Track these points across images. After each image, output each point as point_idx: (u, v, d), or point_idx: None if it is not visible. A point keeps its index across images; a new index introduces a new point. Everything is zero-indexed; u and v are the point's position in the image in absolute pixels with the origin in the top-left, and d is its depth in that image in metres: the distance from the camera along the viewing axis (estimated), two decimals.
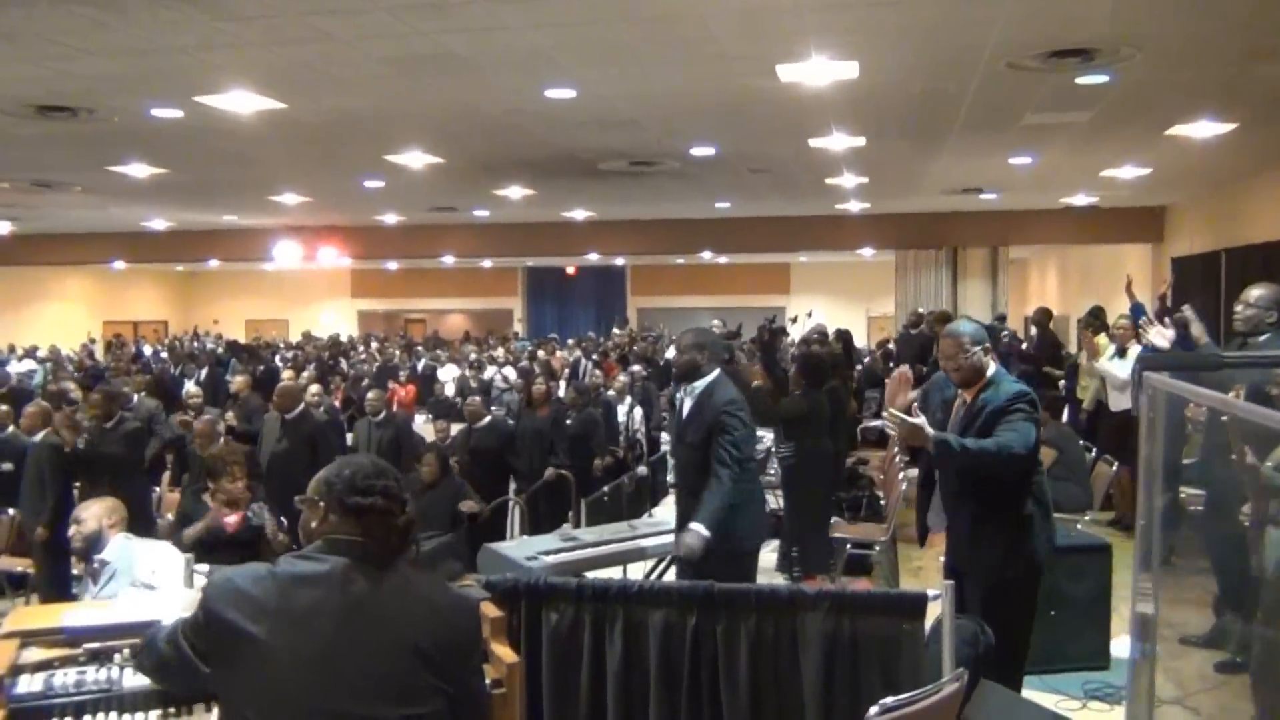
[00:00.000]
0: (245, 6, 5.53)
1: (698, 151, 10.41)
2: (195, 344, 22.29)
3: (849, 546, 7.09)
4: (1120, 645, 5.39)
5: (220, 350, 20.42)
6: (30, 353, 20.42)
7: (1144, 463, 2.76)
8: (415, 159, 10.69)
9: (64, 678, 2.50)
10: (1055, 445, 7.44)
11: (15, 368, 18.43)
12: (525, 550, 5.08)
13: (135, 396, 9.02)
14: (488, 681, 2.66)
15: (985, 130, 9.28)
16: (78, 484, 7.11)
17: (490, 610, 2.75)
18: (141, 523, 6.95)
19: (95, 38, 6.15)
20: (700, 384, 4.96)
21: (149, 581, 3.75)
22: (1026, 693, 4.38)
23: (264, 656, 2.10)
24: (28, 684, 2.45)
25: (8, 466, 7.53)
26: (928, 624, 3.27)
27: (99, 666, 2.49)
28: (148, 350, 22.30)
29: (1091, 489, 7.39)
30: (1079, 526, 6.72)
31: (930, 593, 3.13)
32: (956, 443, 4.05)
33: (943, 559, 4.56)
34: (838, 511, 7.55)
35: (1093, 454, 7.87)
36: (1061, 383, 10.77)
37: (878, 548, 7.09)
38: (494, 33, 6.09)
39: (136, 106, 8.08)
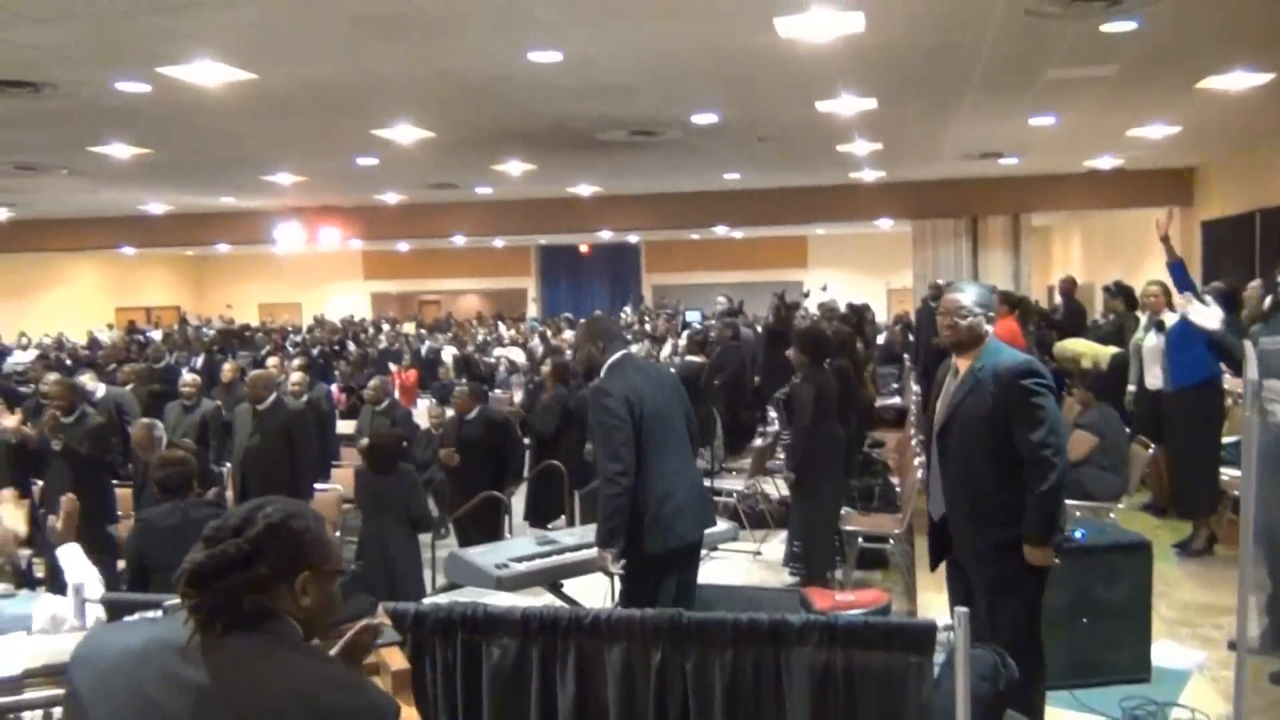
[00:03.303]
0: None
1: (699, 119, 9.87)
2: (191, 330, 21.92)
3: (861, 540, 6.58)
4: (1162, 653, 4.87)
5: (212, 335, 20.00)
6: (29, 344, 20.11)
7: (1246, 448, 2.24)
8: (404, 133, 10.22)
9: None
10: (1098, 431, 6.83)
11: (20, 357, 18.14)
12: (496, 556, 4.59)
13: (101, 388, 8.53)
14: None
15: (1004, 88, 8.71)
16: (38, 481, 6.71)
17: (395, 660, 2.27)
18: (100, 525, 6.55)
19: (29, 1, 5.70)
20: (603, 373, 4.46)
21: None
22: (1056, 713, 3.89)
23: None
24: None
25: None
26: (939, 655, 2.78)
27: None
28: (156, 335, 21.91)
29: (1128, 475, 6.81)
30: (1112, 515, 6.20)
31: (941, 622, 2.63)
32: (1042, 518, 3.72)
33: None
34: (849, 501, 7.04)
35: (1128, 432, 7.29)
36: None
37: (892, 541, 6.59)
38: None
39: (99, 79, 7.65)
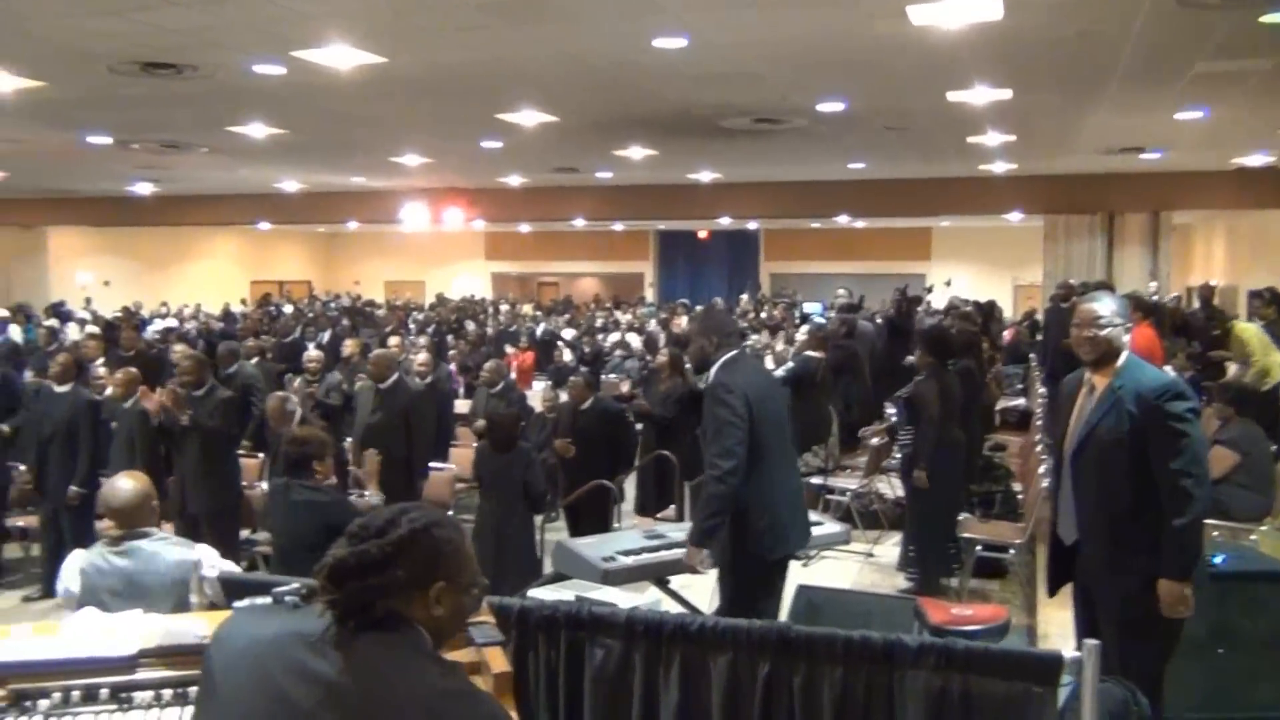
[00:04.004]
0: None
1: (825, 107, 9.66)
2: (319, 305, 22.57)
3: (979, 548, 6.36)
4: None
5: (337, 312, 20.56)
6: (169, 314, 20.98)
7: None
8: (528, 117, 10.29)
9: None
10: (1239, 447, 6.42)
11: (160, 326, 18.95)
12: (603, 549, 4.57)
13: (237, 364, 8.83)
14: None
15: (1149, 80, 8.28)
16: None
17: (497, 662, 2.24)
18: (227, 496, 6.77)
19: None
20: (711, 372, 4.35)
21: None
22: None
23: None
24: None
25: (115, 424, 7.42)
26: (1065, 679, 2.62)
27: (19, 714, 2.08)
28: (288, 309, 22.62)
29: (1274, 494, 6.39)
30: (1253, 537, 5.84)
31: (1068, 654, 2.48)
32: (1180, 554, 3.50)
33: None
34: (968, 507, 6.81)
35: (1275, 449, 6.83)
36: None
37: (1012, 551, 6.34)
38: None
39: (238, 62, 7.89)
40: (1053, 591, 3.95)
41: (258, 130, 11.38)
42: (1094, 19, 6.43)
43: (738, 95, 9.10)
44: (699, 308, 20.14)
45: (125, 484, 3.42)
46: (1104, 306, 3.72)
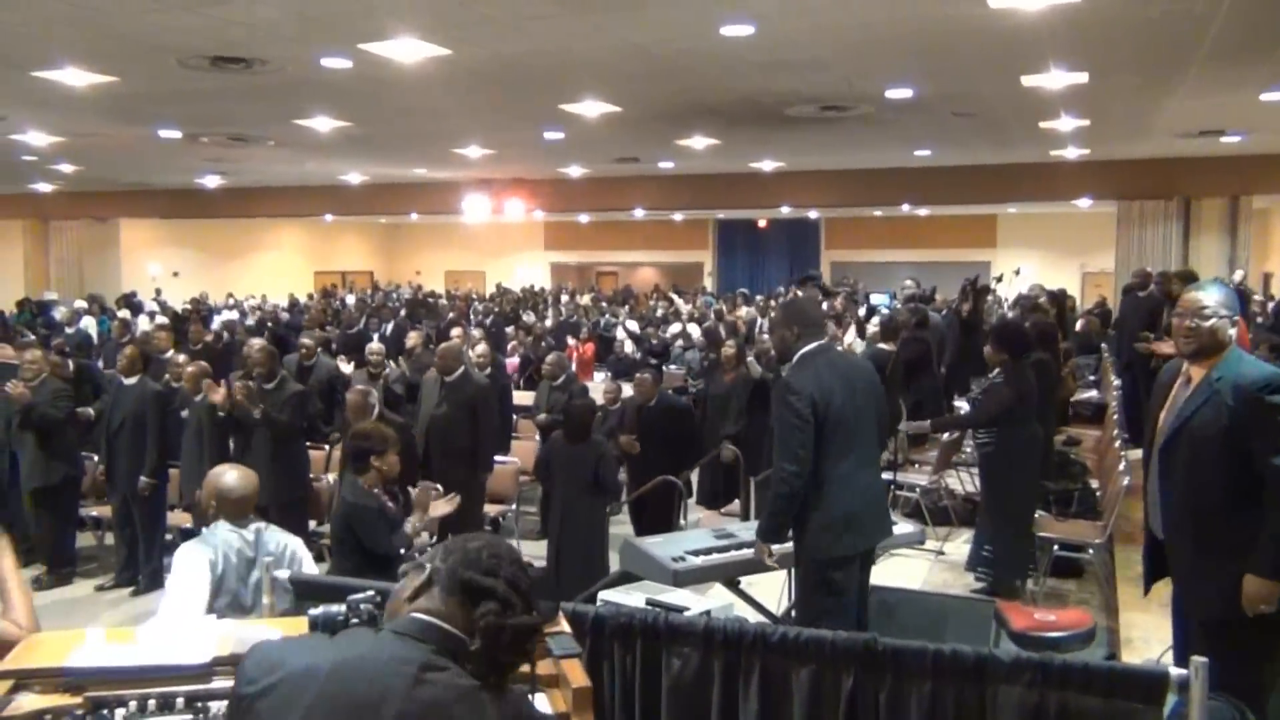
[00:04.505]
0: None
1: (893, 94, 9.47)
2: (380, 296, 22.73)
3: (1056, 548, 6.17)
4: None
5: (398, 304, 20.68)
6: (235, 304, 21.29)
7: None
8: (591, 108, 10.23)
9: None
10: None
11: (227, 316, 19.23)
12: (673, 549, 4.48)
13: (316, 357, 8.94)
14: None
15: (1235, 61, 8.00)
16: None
17: (575, 676, 2.17)
18: (295, 488, 6.80)
19: None
20: (793, 362, 4.24)
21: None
22: None
23: None
24: None
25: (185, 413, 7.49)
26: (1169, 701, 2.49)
27: None
28: (350, 300, 22.82)
29: None
30: None
31: (1175, 672, 2.35)
32: (1275, 553, 3.32)
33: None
34: (1044, 505, 6.61)
35: None
36: None
37: (1091, 550, 6.15)
38: None
39: (306, 56, 7.93)
40: (1147, 588, 3.79)
41: (323, 123, 11.47)
42: None
43: (804, 83, 8.95)
44: (758, 297, 19.99)
45: (235, 474, 3.50)
46: (1210, 296, 3.54)
